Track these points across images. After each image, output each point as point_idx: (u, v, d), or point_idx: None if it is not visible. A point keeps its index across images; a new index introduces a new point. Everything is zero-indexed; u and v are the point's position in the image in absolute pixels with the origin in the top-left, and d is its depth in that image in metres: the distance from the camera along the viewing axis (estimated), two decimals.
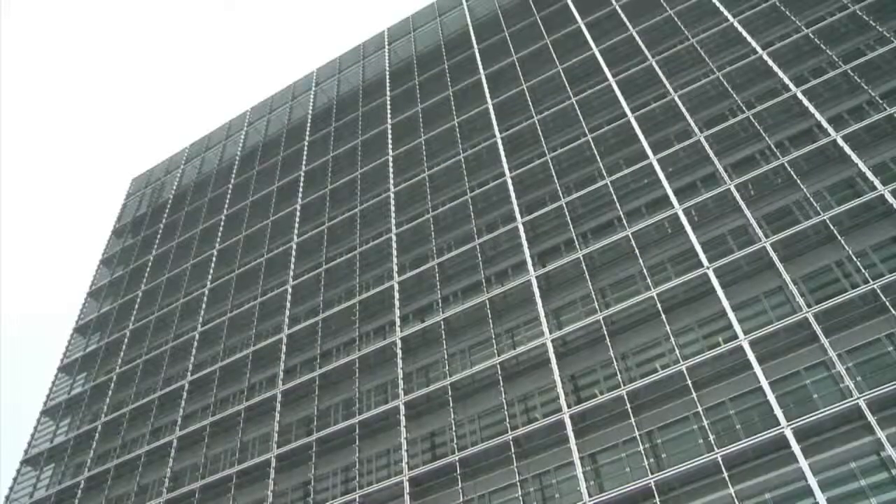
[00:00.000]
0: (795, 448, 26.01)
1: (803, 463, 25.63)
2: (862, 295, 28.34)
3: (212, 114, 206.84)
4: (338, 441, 37.32)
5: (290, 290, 46.84)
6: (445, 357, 36.79)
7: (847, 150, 32.49)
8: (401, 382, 36.87)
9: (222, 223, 57.65)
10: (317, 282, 46.45)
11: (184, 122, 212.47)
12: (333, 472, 36.99)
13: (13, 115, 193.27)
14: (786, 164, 33.85)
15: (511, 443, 31.70)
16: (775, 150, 34.96)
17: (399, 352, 38.30)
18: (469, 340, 37.72)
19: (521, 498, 30.28)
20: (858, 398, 25.92)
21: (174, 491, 41.07)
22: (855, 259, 29.15)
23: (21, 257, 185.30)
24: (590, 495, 28.73)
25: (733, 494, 26.26)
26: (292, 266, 48.64)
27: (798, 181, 32.94)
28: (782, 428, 26.54)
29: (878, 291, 27.83)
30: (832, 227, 30.63)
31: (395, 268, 42.90)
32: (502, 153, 45.18)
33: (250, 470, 38.97)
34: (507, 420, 32.53)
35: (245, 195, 58.94)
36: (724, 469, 26.83)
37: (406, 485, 33.05)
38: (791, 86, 36.84)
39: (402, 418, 35.34)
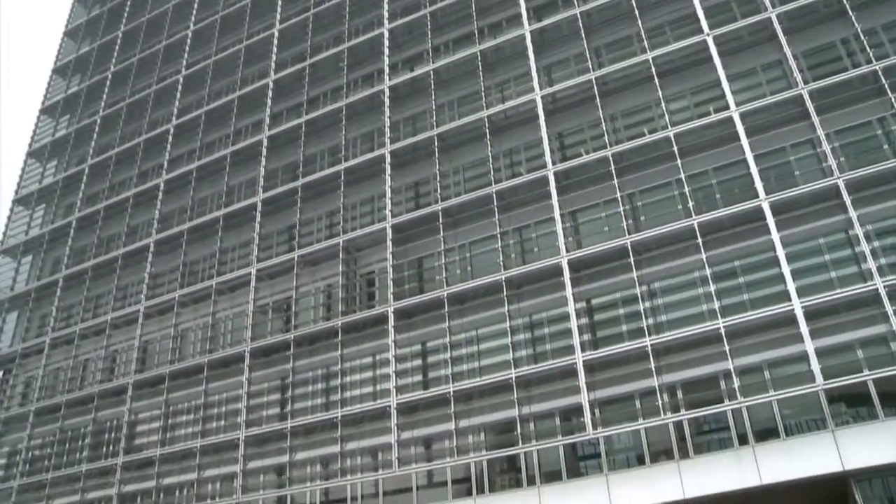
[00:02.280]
0: (770, 220, 26.79)
1: (775, 235, 26.49)
2: (861, 76, 27.89)
3: None
4: (323, 187, 37.69)
5: (276, 34, 45.10)
6: (433, 108, 36.30)
7: None
8: (387, 131, 36.65)
9: None
10: (304, 26, 44.62)
11: None
12: (318, 217, 37.75)
13: None
14: None
15: (494, 195, 32.19)
16: None
17: (387, 100, 37.66)
18: (458, 92, 37.09)
19: (500, 249, 31.23)
20: (838, 178, 26.35)
21: (163, 232, 41.95)
22: (862, 37, 28.25)
23: None
24: (567, 251, 29.74)
25: (705, 259, 27.29)
26: (279, 9, 46.39)
27: None
28: (760, 200, 27.13)
29: (879, 73, 27.35)
30: (844, 2, 29.38)
31: (386, 14, 41.10)
32: None
33: (237, 213, 39.63)
34: (492, 173, 32.81)
35: None
36: (699, 235, 27.69)
37: (389, 231, 33.92)
38: None
39: (388, 167, 35.52)
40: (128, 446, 37.14)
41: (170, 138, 45.61)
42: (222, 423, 35.36)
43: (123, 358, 40.46)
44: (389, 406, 30.76)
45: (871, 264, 24.70)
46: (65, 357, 42.34)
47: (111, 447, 37.96)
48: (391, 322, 32.11)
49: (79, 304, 43.32)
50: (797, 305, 25.13)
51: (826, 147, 27.02)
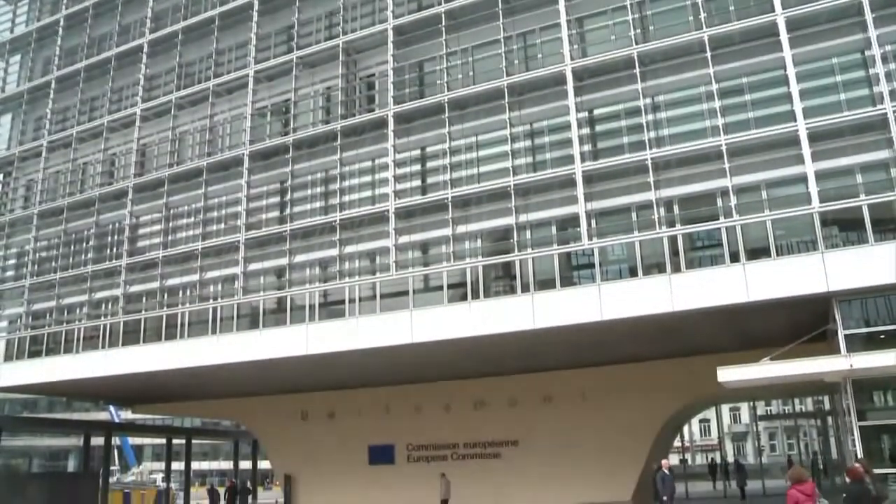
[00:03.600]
0: (783, 37, 25.73)
1: (787, 52, 25.54)
2: None
3: None
4: None
5: None
6: None
7: None
8: None
9: None
10: None
11: None
12: (317, 18, 36.13)
13: None
14: None
15: None
16: None
17: None
18: None
19: (503, 55, 30.37)
20: None
21: (156, 32, 39.94)
22: None
23: None
24: (572, 58, 28.95)
25: (712, 74, 26.53)
26: None
27: None
28: (776, 15, 25.96)
29: None
30: None
31: None
32: None
33: (232, 12, 37.67)
34: None
35: None
36: (708, 48, 26.76)
37: (390, 33, 32.82)
38: None
39: None
40: (131, 248, 37.67)
41: None
42: (222, 225, 35.68)
43: (122, 161, 40.17)
44: (388, 210, 31.05)
45: (884, 87, 24.00)
46: (63, 160, 41.98)
47: (115, 249, 38.52)
48: (391, 126, 31.73)
49: (74, 107, 42.36)
50: (801, 126, 24.74)
51: None
